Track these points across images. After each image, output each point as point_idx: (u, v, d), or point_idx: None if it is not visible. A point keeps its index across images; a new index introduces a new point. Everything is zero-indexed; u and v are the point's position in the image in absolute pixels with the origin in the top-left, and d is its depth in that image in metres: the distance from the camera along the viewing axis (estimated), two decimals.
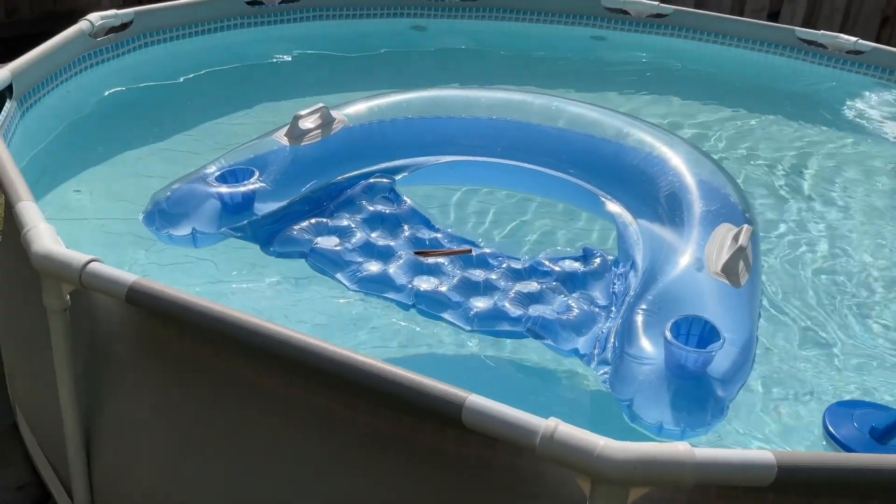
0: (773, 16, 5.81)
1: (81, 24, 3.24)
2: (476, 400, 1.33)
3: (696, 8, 5.09)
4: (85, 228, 2.66)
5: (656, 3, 4.42)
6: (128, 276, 1.60)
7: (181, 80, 3.65)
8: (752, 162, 3.57)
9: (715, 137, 3.75)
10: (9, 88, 2.67)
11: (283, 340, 1.47)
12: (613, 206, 2.46)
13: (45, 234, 1.71)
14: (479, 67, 4.32)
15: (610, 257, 2.27)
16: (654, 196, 2.42)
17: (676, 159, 2.54)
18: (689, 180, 2.44)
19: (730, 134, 3.82)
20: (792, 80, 4.25)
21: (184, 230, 2.24)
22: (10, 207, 1.91)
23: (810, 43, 4.20)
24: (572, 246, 2.67)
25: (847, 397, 2.16)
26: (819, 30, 4.29)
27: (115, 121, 3.30)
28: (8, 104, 2.66)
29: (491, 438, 1.33)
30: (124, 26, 3.45)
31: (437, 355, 2.31)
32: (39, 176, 2.69)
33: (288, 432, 1.60)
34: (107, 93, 3.39)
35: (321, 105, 2.59)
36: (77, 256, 1.63)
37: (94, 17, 3.28)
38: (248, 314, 1.52)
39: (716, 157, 3.45)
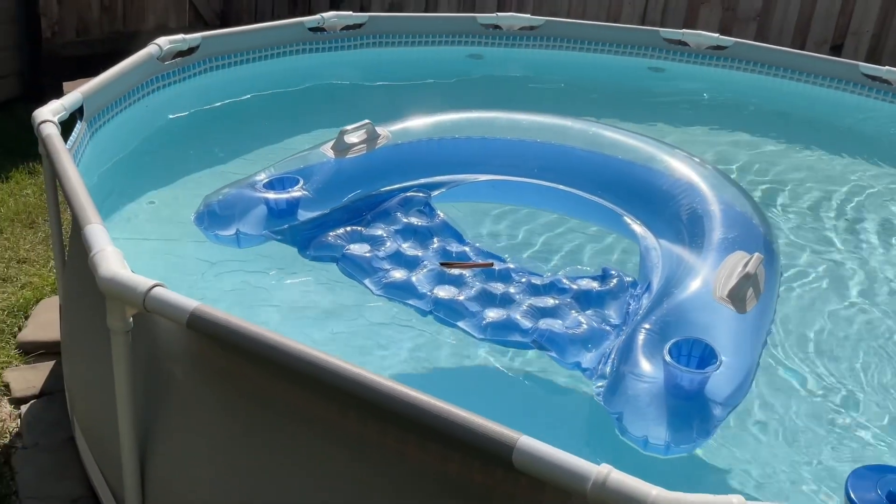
0: (836, 49, 5.72)
1: (150, 49, 3.33)
2: (527, 441, 1.33)
3: (756, 40, 5.04)
4: (148, 249, 2.73)
5: (716, 35, 4.39)
6: (189, 301, 1.63)
7: (244, 104, 3.74)
8: (809, 199, 3.51)
9: (773, 172, 3.70)
10: (79, 110, 2.76)
11: (337, 372, 1.48)
12: (639, 229, 2.52)
13: (111, 258, 1.75)
14: (535, 96, 4.35)
15: (628, 278, 2.32)
16: (677, 221, 2.48)
17: (703, 187, 2.58)
18: (714, 208, 2.48)
19: (788, 169, 3.77)
20: (854, 116, 4.17)
21: (230, 231, 2.38)
22: (78, 228, 1.97)
23: (874, 79, 4.13)
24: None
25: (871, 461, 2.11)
26: (883, 65, 4.22)
27: (180, 143, 3.40)
28: (78, 125, 2.75)
29: (541, 481, 1.32)
30: (191, 51, 3.55)
31: (467, 370, 2.38)
32: (106, 195, 2.78)
33: (339, 462, 1.61)
34: (172, 115, 3.49)
35: (367, 121, 2.72)
36: (141, 281, 1.67)
37: (163, 42, 3.38)
38: (303, 343, 1.54)
39: (774, 192, 3.41)
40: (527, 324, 2.13)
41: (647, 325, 2.05)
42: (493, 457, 1.35)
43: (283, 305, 2.55)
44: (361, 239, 2.39)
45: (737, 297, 2.12)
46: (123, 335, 1.74)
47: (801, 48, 5.38)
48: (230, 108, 3.70)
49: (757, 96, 4.32)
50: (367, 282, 2.27)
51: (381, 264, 2.30)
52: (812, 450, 2.15)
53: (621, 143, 2.80)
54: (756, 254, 2.22)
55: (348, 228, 2.42)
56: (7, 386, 2.75)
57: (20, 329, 3.05)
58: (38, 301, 3.22)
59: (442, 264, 2.31)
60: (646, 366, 1.95)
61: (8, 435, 2.55)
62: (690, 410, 1.87)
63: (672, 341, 1.97)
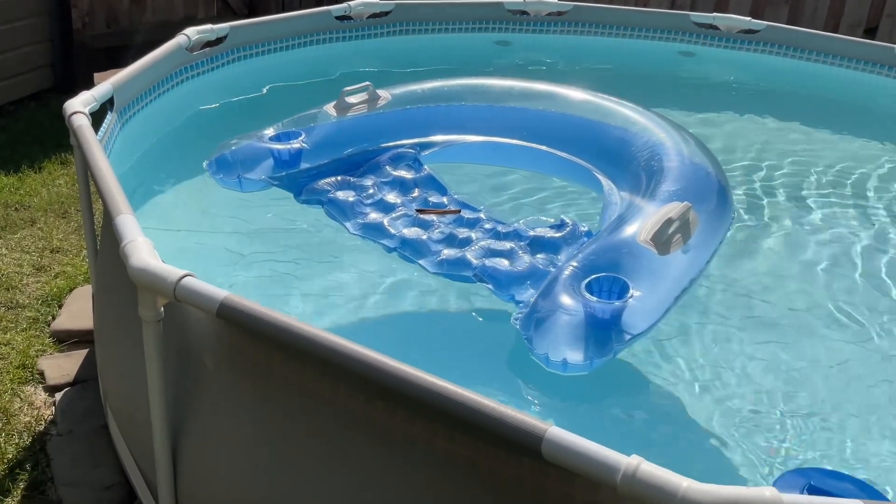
0: (871, 31, 5.61)
1: (179, 39, 3.35)
2: (556, 432, 1.32)
3: (789, 24, 4.95)
4: (178, 240, 2.75)
5: (747, 18, 4.32)
6: (219, 291, 1.64)
7: (273, 93, 3.75)
8: (843, 182, 3.46)
9: (804, 155, 3.64)
10: (110, 101, 2.78)
11: (364, 361, 1.49)
12: (607, 186, 2.68)
13: (142, 248, 1.76)
14: (564, 82, 4.30)
15: (584, 228, 2.49)
16: (638, 176, 2.64)
17: (670, 145, 2.74)
18: (672, 164, 2.64)
19: (819, 152, 3.71)
20: (889, 98, 4.09)
21: (234, 176, 2.63)
22: (109, 218, 1.99)
23: None
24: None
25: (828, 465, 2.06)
26: None
27: (209, 133, 3.40)
28: (109, 116, 2.77)
29: (570, 472, 1.32)
30: (219, 40, 3.56)
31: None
32: (137, 186, 2.80)
33: (368, 452, 1.62)
34: (201, 106, 3.50)
35: (368, 83, 2.97)
36: (172, 271, 1.68)
37: (192, 32, 3.39)
38: (331, 333, 1.55)
39: (804, 174, 3.37)
40: (475, 261, 2.33)
41: (573, 263, 2.24)
42: (522, 447, 1.35)
43: (312, 295, 2.56)
44: (349, 187, 2.62)
45: (658, 240, 2.28)
46: (155, 324, 1.76)
47: (835, 31, 5.29)
48: (259, 97, 3.72)
49: (789, 80, 4.25)
50: (347, 224, 2.49)
51: (362, 209, 2.52)
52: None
53: (600, 107, 3.01)
54: (685, 202, 2.38)
55: (339, 178, 2.65)
56: (42, 374, 2.80)
57: (54, 318, 3.10)
58: (71, 290, 3.27)
59: (417, 210, 2.53)
60: (561, 296, 2.13)
61: (43, 422, 2.59)
62: (591, 335, 2.05)
63: (593, 276, 2.16)
